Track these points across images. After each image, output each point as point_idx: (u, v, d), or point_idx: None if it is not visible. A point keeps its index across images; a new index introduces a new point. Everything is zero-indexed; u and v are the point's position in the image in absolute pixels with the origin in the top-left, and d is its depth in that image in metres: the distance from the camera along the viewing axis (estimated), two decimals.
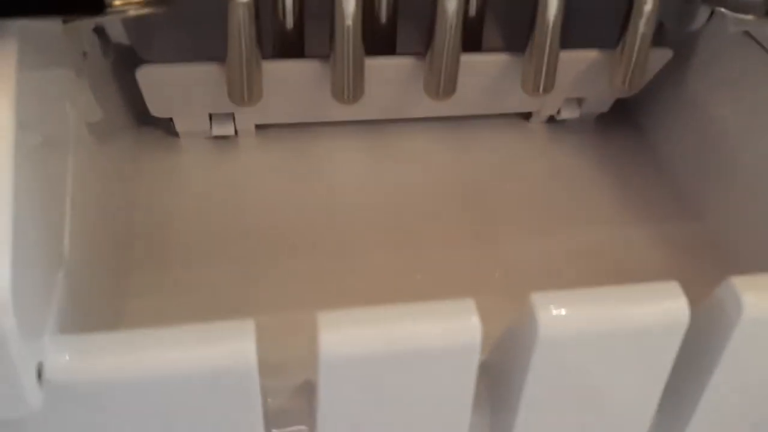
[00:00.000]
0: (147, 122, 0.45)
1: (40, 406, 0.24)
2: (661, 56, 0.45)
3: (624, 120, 0.51)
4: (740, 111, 0.43)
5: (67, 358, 0.25)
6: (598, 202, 0.47)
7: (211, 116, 0.45)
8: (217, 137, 0.46)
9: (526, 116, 0.50)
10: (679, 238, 0.45)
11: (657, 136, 0.50)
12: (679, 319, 0.29)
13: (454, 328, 0.28)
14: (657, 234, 0.45)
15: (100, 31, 0.40)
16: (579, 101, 0.48)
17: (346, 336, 0.28)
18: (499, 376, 0.33)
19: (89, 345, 0.26)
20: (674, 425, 0.34)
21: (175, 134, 0.46)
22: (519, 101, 0.46)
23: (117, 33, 0.40)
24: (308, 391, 0.32)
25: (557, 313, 0.28)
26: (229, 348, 0.26)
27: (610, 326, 0.29)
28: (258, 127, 0.47)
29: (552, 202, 0.46)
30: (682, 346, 0.30)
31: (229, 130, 0.46)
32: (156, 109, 0.43)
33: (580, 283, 0.30)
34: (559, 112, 0.49)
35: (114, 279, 0.38)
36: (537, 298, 0.29)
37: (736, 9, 0.38)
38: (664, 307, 0.29)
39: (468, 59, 0.42)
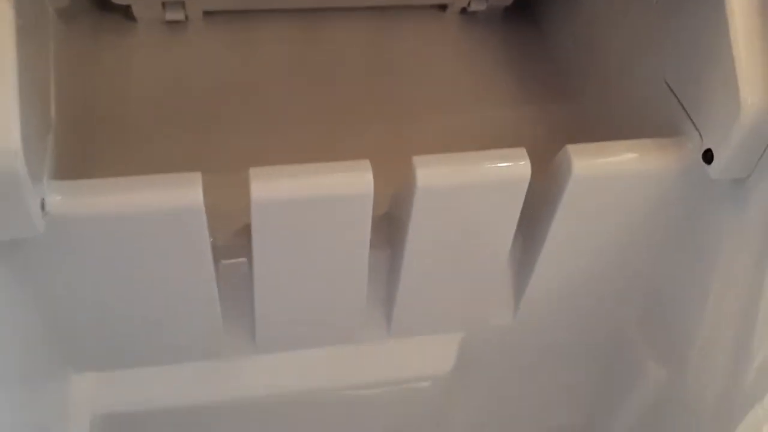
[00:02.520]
0: (109, 9, 0.52)
1: (43, 229, 0.33)
2: None
3: (526, 13, 0.59)
4: (613, 8, 0.51)
5: (59, 197, 0.34)
6: (497, 84, 0.55)
7: (164, 3, 0.52)
8: (170, 22, 0.53)
9: (443, 8, 0.58)
10: (562, 115, 0.54)
11: (551, 28, 0.58)
12: (522, 176, 0.38)
13: (352, 181, 0.37)
14: (545, 112, 0.54)
15: None
16: None
17: (270, 185, 0.37)
18: (394, 221, 0.43)
19: (75, 188, 0.35)
20: (527, 260, 0.44)
21: (134, 19, 0.53)
22: None
23: None
24: (248, 231, 0.41)
25: (430, 171, 0.38)
26: (180, 192, 0.35)
27: (471, 180, 0.38)
28: (205, 13, 0.54)
29: (458, 83, 0.55)
30: (532, 199, 0.40)
31: (180, 15, 0.53)
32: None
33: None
34: (469, 4, 0.57)
35: (89, 140, 0.46)
36: (417, 160, 0.38)
37: None
38: (512, 166, 0.38)
39: None
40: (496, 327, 0.47)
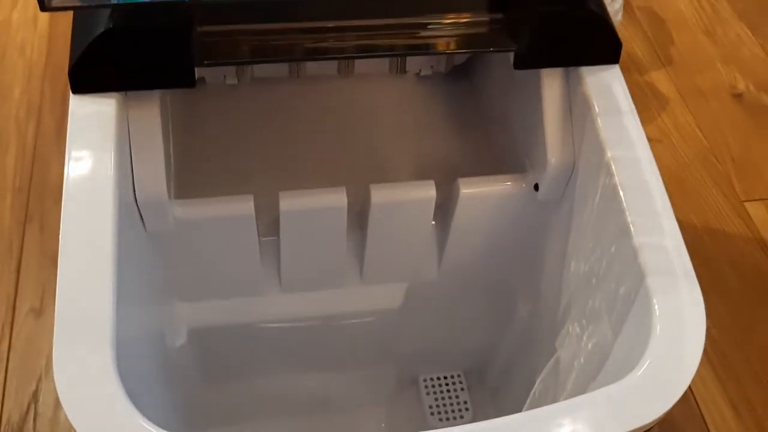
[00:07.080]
0: None
1: (173, 228, 0.64)
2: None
3: (463, 76, 0.88)
4: (503, 78, 0.80)
5: (180, 209, 0.65)
6: (440, 124, 0.85)
7: (224, 75, 0.82)
8: (229, 85, 0.83)
9: (405, 72, 0.87)
10: (481, 148, 0.83)
11: (479, 87, 0.87)
12: (431, 197, 0.68)
13: (335, 199, 0.67)
14: (470, 145, 0.83)
15: None
16: (431, 66, 0.85)
17: (291, 202, 0.67)
18: (363, 216, 0.73)
19: (188, 204, 0.65)
20: (442, 241, 0.74)
21: (205, 83, 0.83)
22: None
23: None
24: (278, 222, 0.71)
25: (380, 192, 0.68)
26: (241, 206, 0.66)
27: (403, 198, 0.69)
28: (251, 78, 0.84)
29: (414, 124, 0.84)
30: (444, 204, 0.70)
31: (235, 81, 0.82)
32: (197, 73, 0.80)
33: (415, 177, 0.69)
34: (420, 71, 0.86)
35: (189, 163, 0.77)
36: (372, 186, 0.68)
37: None
38: (423, 192, 0.68)
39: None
40: (427, 280, 0.78)
